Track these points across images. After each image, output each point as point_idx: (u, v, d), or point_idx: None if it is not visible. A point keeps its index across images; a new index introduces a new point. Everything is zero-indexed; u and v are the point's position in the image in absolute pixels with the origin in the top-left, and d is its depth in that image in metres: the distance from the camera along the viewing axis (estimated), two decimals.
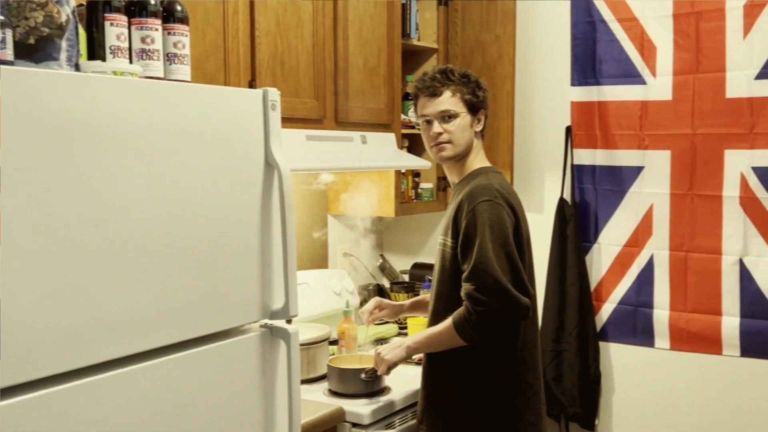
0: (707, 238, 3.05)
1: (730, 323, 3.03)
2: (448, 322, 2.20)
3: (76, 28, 1.64)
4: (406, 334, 3.28)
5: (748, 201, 2.96)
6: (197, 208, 1.70)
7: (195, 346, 1.71)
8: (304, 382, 2.57)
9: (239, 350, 1.83)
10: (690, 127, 3.05)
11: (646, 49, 3.12)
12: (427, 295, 2.60)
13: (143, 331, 1.58)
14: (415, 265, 3.63)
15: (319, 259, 3.35)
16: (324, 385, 2.58)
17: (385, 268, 3.65)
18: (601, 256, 3.28)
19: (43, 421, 1.40)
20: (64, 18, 1.58)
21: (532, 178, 3.44)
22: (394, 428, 2.49)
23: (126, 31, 1.76)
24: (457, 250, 2.23)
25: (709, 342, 3.09)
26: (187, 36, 1.88)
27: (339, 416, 2.38)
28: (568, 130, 3.31)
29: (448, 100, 2.31)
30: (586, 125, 3.28)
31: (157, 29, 1.80)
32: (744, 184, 2.96)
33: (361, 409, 2.41)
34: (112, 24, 1.73)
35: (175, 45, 1.85)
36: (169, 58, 1.84)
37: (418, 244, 3.72)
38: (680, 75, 3.05)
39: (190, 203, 1.68)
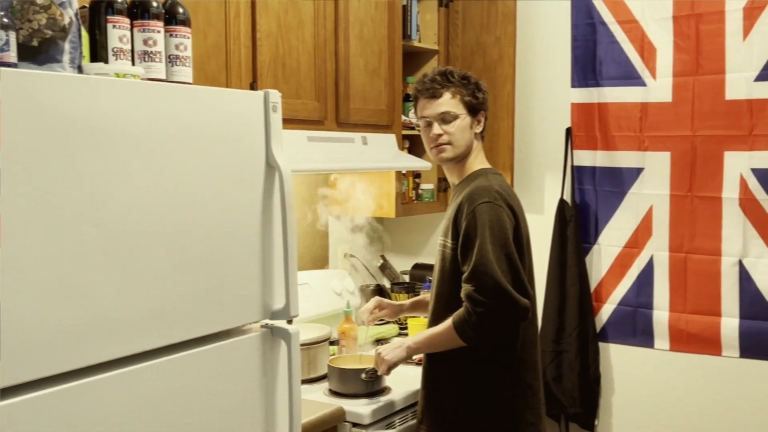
0: (707, 240, 3.06)
1: (730, 324, 3.04)
2: (448, 322, 2.21)
3: (79, 30, 1.65)
4: (406, 335, 3.29)
5: (748, 202, 2.97)
6: (199, 208, 1.71)
7: (196, 346, 1.72)
8: (304, 382, 2.58)
9: (240, 350, 1.83)
10: (690, 129, 3.06)
11: (646, 50, 3.13)
12: (427, 295, 2.61)
13: (144, 331, 1.59)
14: (416, 266, 3.64)
15: (319, 259, 3.36)
16: (324, 385, 2.58)
17: (385, 269, 3.66)
18: (601, 257, 3.29)
19: (44, 421, 1.41)
20: (67, 20, 1.59)
21: (532, 179, 3.45)
22: (394, 428, 2.50)
23: (128, 33, 1.77)
24: (457, 251, 2.24)
25: (708, 343, 3.10)
26: (188, 38, 1.89)
27: (339, 416, 2.39)
28: (569, 131, 3.32)
29: (448, 102, 2.32)
30: (586, 126, 3.28)
31: (159, 31, 1.81)
32: (743, 185, 2.97)
33: (362, 409, 2.42)
34: (114, 26, 1.74)
35: (176, 47, 1.86)
36: (171, 59, 1.86)
37: (419, 245, 3.73)
38: (680, 77, 3.06)
39: (192, 204, 1.69)
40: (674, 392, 3.20)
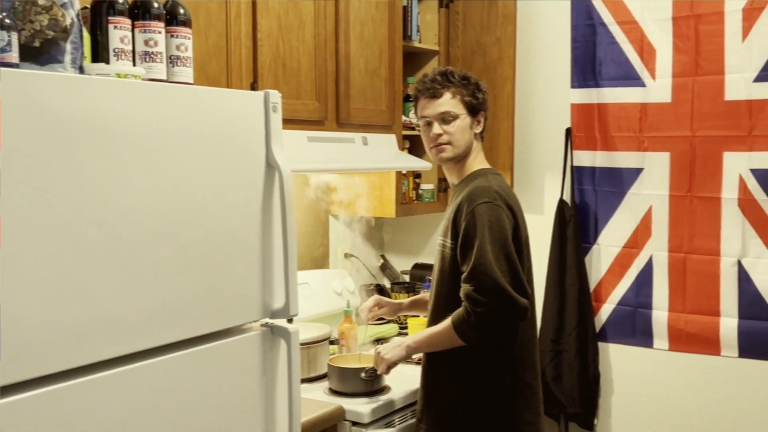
0: (706, 240, 3.07)
1: (729, 324, 3.05)
2: (447, 322, 2.22)
3: (81, 31, 1.66)
4: (406, 334, 3.30)
5: (747, 203, 2.97)
6: (199, 208, 1.72)
7: (196, 345, 1.73)
8: (304, 381, 2.60)
9: (240, 349, 1.84)
10: (689, 129, 3.07)
11: (646, 51, 3.13)
12: (426, 294, 2.62)
13: (144, 330, 1.60)
14: (416, 266, 3.65)
15: (320, 259, 3.37)
16: (324, 384, 2.59)
17: (386, 269, 3.67)
18: (601, 257, 3.30)
19: (45, 419, 1.42)
20: (68, 21, 1.60)
21: (532, 179, 3.46)
22: (393, 427, 2.51)
23: (129, 33, 1.78)
24: (457, 251, 2.24)
25: (707, 343, 3.10)
26: (189, 38, 1.90)
27: (339, 415, 2.40)
28: (568, 131, 3.33)
29: (448, 102, 2.33)
30: (586, 127, 3.29)
31: (160, 32, 1.82)
32: (742, 186, 2.97)
33: (361, 407, 2.43)
34: (115, 27, 1.75)
35: (177, 47, 1.87)
36: (172, 60, 1.87)
37: (419, 245, 3.74)
38: (679, 77, 3.07)
39: (192, 203, 1.70)
40: (673, 392, 3.20)
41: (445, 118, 2.32)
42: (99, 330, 1.50)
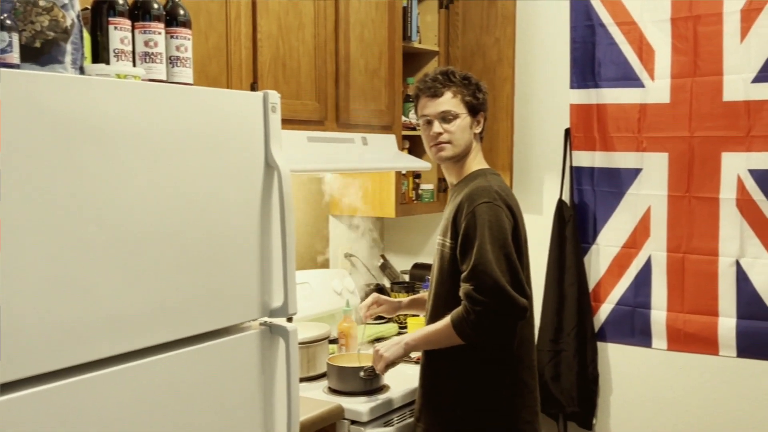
0: (704, 240, 3.08)
1: (727, 324, 3.06)
2: (446, 320, 2.23)
3: (81, 31, 1.67)
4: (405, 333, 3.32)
5: (745, 203, 2.98)
6: (198, 207, 1.73)
7: (195, 343, 1.74)
8: (304, 380, 2.61)
9: (239, 347, 1.85)
10: (687, 130, 3.08)
11: (645, 52, 3.14)
12: (425, 293, 2.63)
13: (144, 328, 1.61)
14: (416, 266, 3.66)
15: (320, 259, 3.38)
16: (324, 383, 2.61)
17: (385, 268, 3.69)
18: (600, 257, 3.31)
19: (45, 417, 1.43)
20: (69, 22, 1.61)
21: (531, 179, 3.47)
22: (392, 426, 2.52)
23: (129, 34, 1.79)
24: (457, 250, 2.26)
25: (706, 342, 3.11)
26: (189, 39, 1.91)
27: (338, 413, 2.42)
28: (567, 132, 3.34)
29: (449, 101, 2.34)
30: (585, 127, 3.30)
31: (160, 33, 1.84)
32: (741, 186, 2.98)
33: (360, 406, 2.44)
34: (116, 28, 1.76)
35: (177, 48, 1.88)
36: (172, 61, 1.88)
37: (419, 245, 3.75)
38: (678, 78, 3.08)
39: (192, 203, 1.71)
40: (672, 391, 3.21)
41: (446, 117, 2.33)
42: (99, 328, 1.51)
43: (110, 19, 1.76)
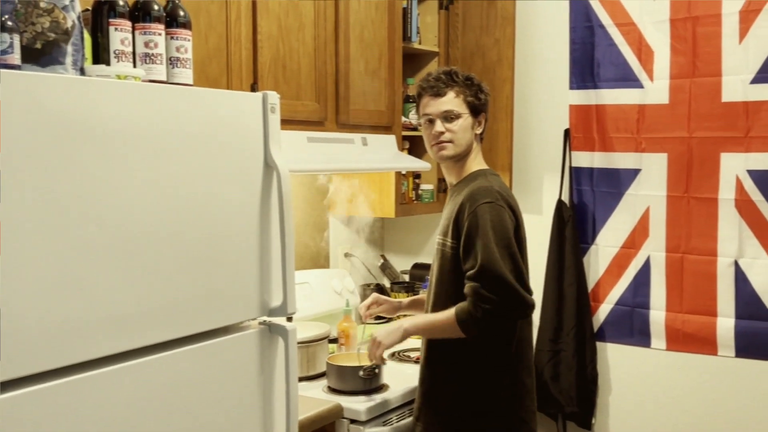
0: (703, 240, 3.08)
1: (725, 324, 3.06)
2: (450, 312, 2.23)
3: (82, 33, 1.68)
4: None
5: (744, 204, 2.99)
6: (198, 207, 1.74)
7: (195, 342, 1.75)
8: (304, 379, 2.62)
9: (238, 346, 1.86)
10: (686, 131, 3.08)
11: (644, 53, 3.15)
12: (425, 294, 2.64)
13: (143, 327, 1.62)
14: (416, 266, 3.67)
15: (320, 258, 3.39)
16: (323, 382, 2.62)
17: (386, 268, 3.70)
18: (599, 258, 3.32)
19: (44, 415, 1.43)
20: (69, 23, 1.62)
21: (530, 180, 3.48)
22: (390, 425, 2.53)
23: (130, 35, 1.80)
24: (459, 250, 2.26)
25: (704, 342, 3.12)
26: (189, 40, 1.92)
27: (337, 412, 2.43)
28: (567, 132, 3.35)
29: (452, 101, 2.35)
30: (584, 128, 3.31)
31: (160, 34, 1.84)
32: (739, 186, 2.99)
33: (359, 405, 2.45)
34: (116, 29, 1.77)
35: (177, 49, 1.89)
36: (172, 61, 1.89)
37: (419, 245, 3.76)
38: (677, 79, 3.09)
39: (191, 203, 1.72)
40: (670, 391, 3.22)
41: (448, 117, 2.34)
42: (99, 326, 1.52)
43: (111, 20, 1.77)
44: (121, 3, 1.78)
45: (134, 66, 1.81)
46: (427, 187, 3.48)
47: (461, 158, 2.39)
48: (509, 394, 2.32)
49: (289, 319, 2.00)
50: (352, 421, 2.44)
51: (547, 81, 3.41)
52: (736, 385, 3.08)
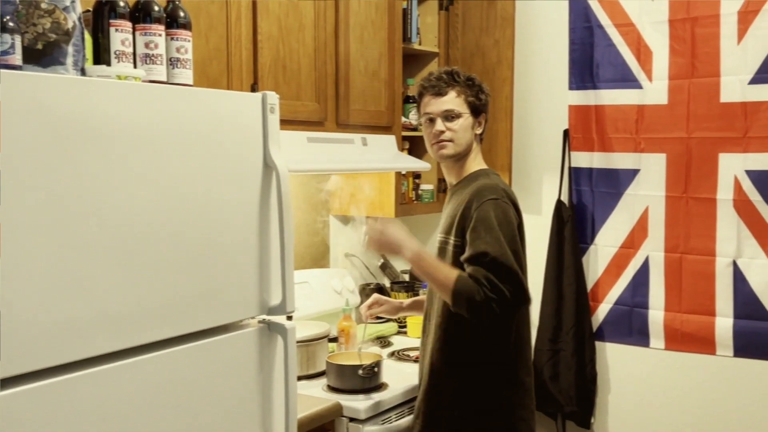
0: (702, 240, 3.09)
1: (724, 324, 3.07)
2: (452, 277, 2.19)
3: (82, 33, 1.69)
4: (405, 333, 3.34)
5: (742, 204, 3.00)
6: (198, 207, 1.75)
7: (194, 340, 1.76)
8: (304, 378, 2.63)
9: (237, 345, 1.87)
10: (685, 131, 3.09)
11: (643, 53, 3.16)
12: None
13: (143, 325, 1.63)
14: None
15: (320, 258, 3.40)
16: (323, 381, 2.62)
17: (386, 268, 3.70)
18: (598, 258, 3.33)
19: (43, 412, 1.44)
20: (70, 24, 1.64)
21: (530, 180, 3.49)
22: (389, 423, 2.53)
23: (130, 36, 1.81)
24: (463, 246, 2.27)
25: (703, 342, 3.13)
26: (189, 41, 1.93)
27: (336, 411, 2.43)
28: (566, 133, 3.36)
29: (453, 100, 2.36)
30: (584, 128, 3.32)
31: (160, 35, 1.86)
32: (738, 187, 3.00)
33: (358, 404, 2.46)
34: (117, 30, 1.78)
35: (177, 50, 1.91)
36: (172, 62, 1.90)
37: None
38: (676, 79, 3.10)
39: (191, 202, 1.73)
40: (669, 391, 3.23)
41: (449, 116, 2.35)
42: (98, 324, 1.53)
43: (111, 21, 1.78)
44: (121, 4, 1.80)
45: (135, 66, 1.82)
46: (427, 187, 3.49)
47: (461, 158, 2.40)
48: (509, 393, 2.33)
49: (289, 318, 2.01)
50: (351, 420, 2.45)
51: (546, 81, 3.42)
52: (734, 385, 3.09)
